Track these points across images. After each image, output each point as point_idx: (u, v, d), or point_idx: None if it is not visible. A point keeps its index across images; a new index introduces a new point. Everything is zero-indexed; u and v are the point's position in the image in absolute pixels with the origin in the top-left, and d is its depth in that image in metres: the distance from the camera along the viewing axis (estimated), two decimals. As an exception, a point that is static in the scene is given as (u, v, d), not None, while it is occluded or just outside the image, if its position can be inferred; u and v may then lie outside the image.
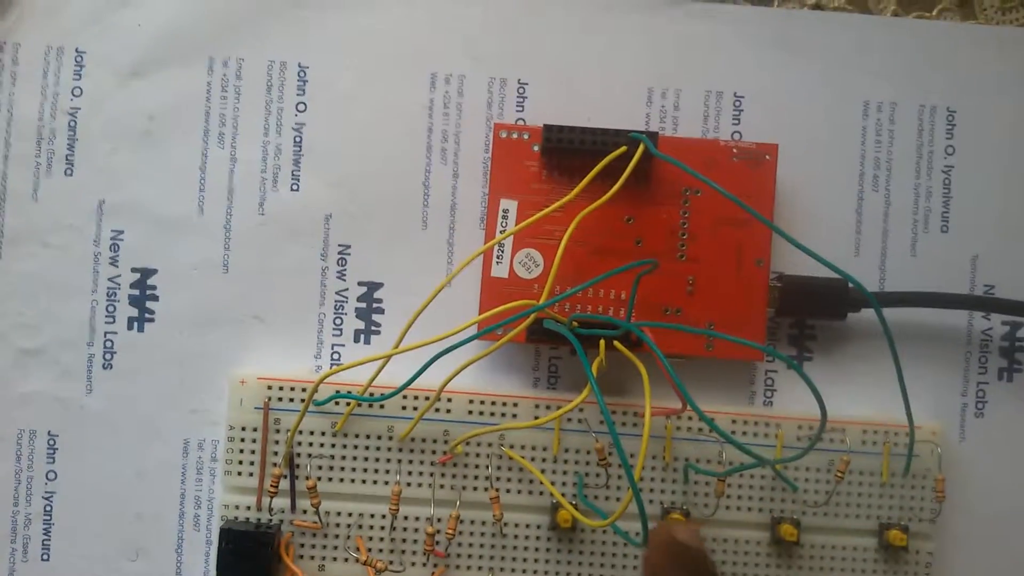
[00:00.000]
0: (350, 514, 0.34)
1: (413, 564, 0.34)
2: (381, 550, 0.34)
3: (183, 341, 0.35)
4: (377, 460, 0.34)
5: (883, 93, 0.36)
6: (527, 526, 0.35)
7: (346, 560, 0.34)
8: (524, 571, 0.35)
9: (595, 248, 0.34)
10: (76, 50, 0.35)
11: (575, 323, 0.33)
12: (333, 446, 0.34)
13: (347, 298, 0.36)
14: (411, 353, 0.32)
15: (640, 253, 0.34)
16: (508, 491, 0.34)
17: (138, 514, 0.35)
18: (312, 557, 0.34)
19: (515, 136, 0.34)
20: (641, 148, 0.32)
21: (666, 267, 0.34)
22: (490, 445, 0.34)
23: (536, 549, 0.35)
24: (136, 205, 0.35)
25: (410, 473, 0.34)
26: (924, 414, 0.35)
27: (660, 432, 0.35)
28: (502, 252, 0.34)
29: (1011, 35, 0.36)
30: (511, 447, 0.34)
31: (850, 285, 0.34)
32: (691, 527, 0.34)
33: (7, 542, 0.35)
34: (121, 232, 0.35)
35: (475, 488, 0.34)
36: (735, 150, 0.34)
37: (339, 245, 0.36)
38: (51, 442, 0.35)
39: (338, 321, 0.36)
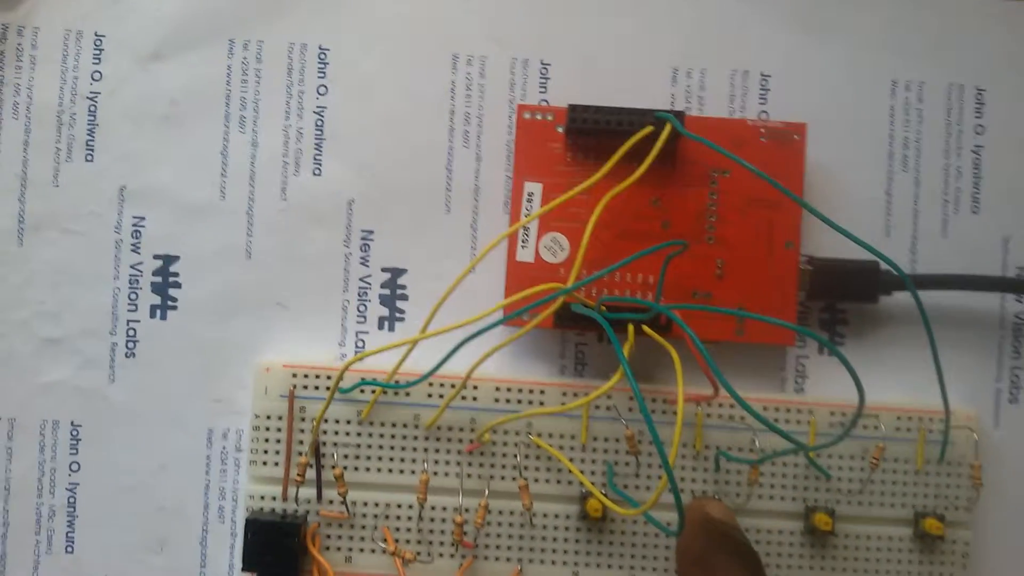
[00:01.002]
0: (377, 504, 0.34)
1: (441, 555, 0.34)
2: (409, 541, 0.34)
3: (206, 329, 0.35)
4: (404, 449, 0.34)
5: (911, 72, 0.36)
6: (556, 516, 0.34)
7: (373, 551, 0.34)
8: (554, 562, 0.34)
9: (621, 231, 0.34)
10: (95, 34, 0.35)
11: (603, 307, 0.32)
12: (359, 434, 0.34)
13: (371, 284, 0.35)
14: (436, 340, 0.32)
15: (667, 236, 0.34)
16: (536, 480, 0.34)
17: (162, 505, 0.35)
18: (339, 548, 0.34)
19: (539, 117, 0.34)
20: (668, 128, 0.32)
21: (694, 250, 0.34)
22: (517, 433, 0.34)
23: (566, 540, 0.34)
24: (157, 191, 0.35)
25: (437, 462, 0.34)
26: (957, 399, 0.35)
27: (691, 419, 0.34)
28: (527, 236, 0.34)
29: (1041, 11, 0.36)
30: (539, 435, 0.34)
31: (882, 267, 0.34)
32: (722, 504, 0.33)
33: (31, 534, 0.35)
34: (143, 218, 0.35)
35: (503, 477, 0.34)
36: (763, 130, 0.34)
37: (362, 230, 0.35)
38: (74, 432, 0.35)
39: (362, 307, 0.35)
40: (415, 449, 0.34)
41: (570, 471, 0.34)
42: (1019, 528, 0.35)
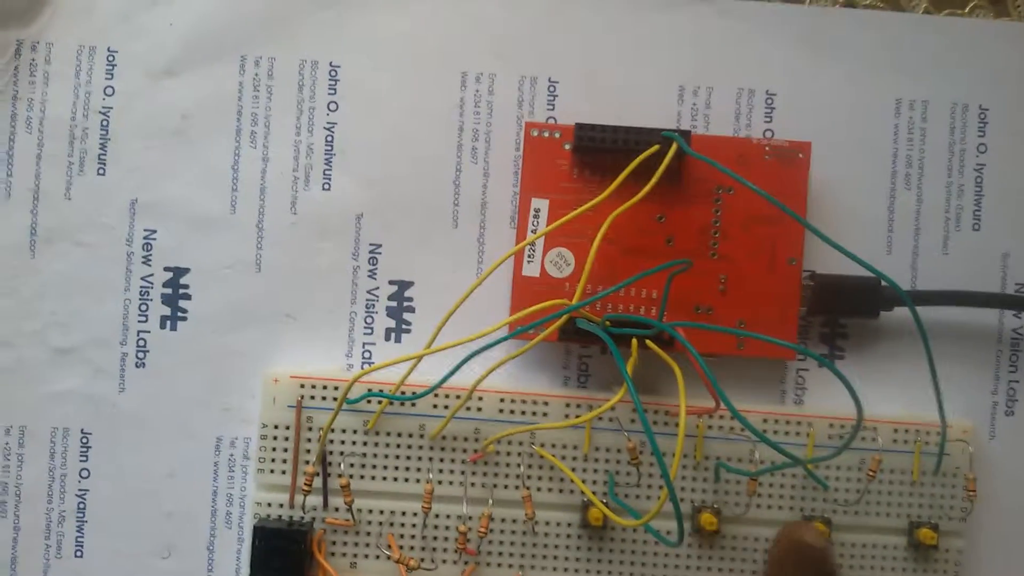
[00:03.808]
0: (382, 512, 0.34)
1: (444, 562, 0.34)
2: (413, 548, 0.34)
3: (215, 340, 0.35)
4: (409, 458, 0.34)
5: (915, 91, 0.36)
6: (558, 524, 0.35)
7: (378, 557, 0.34)
8: (555, 569, 0.35)
9: (626, 247, 0.34)
10: (108, 49, 0.35)
11: (608, 322, 0.32)
12: (365, 444, 0.34)
13: (378, 297, 0.36)
14: (442, 352, 0.32)
15: (672, 252, 0.34)
16: (539, 489, 0.35)
17: (170, 512, 0.35)
18: (344, 554, 0.34)
19: (546, 135, 0.34)
20: (674, 147, 0.32)
21: (698, 266, 0.34)
22: (521, 444, 0.35)
23: (567, 547, 0.35)
24: (168, 204, 0.36)
25: (441, 471, 0.34)
26: (955, 412, 0.35)
27: (691, 431, 0.35)
28: (533, 251, 0.34)
29: (1044, 32, 0.36)
30: (542, 445, 0.34)
31: (882, 283, 0.34)
32: (817, 530, 0.34)
33: (42, 539, 0.35)
34: (154, 231, 0.36)
35: (506, 486, 0.35)
36: (768, 148, 0.34)
37: (370, 244, 0.36)
38: (84, 440, 0.35)
39: (369, 320, 0.36)
40: (420, 459, 0.34)
41: (572, 481, 0.34)
42: (1011, 538, 0.36)
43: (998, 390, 0.36)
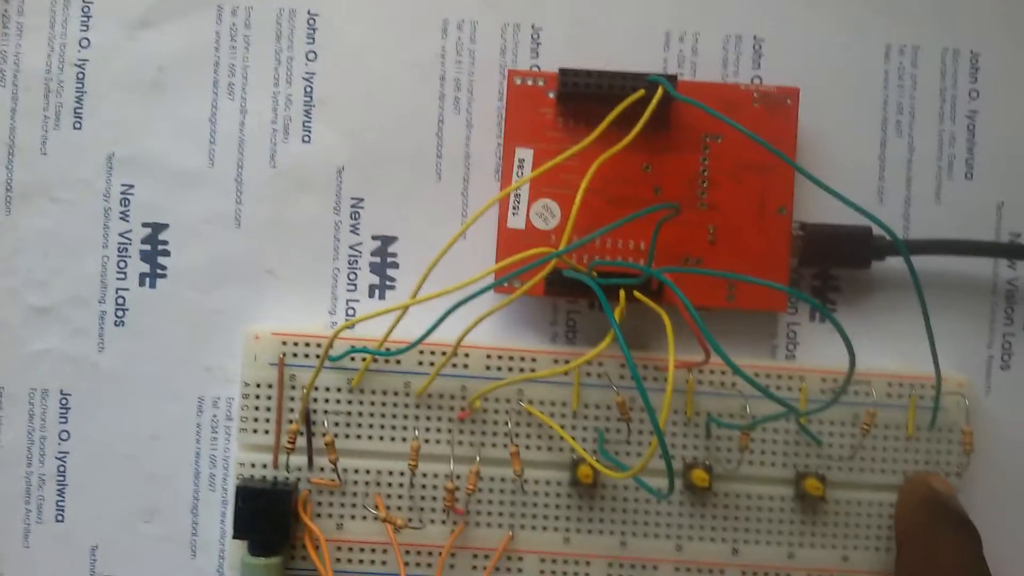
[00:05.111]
0: (368, 471, 0.34)
1: (432, 521, 0.34)
2: (400, 508, 0.34)
3: (195, 297, 0.35)
4: (395, 416, 0.34)
5: (905, 36, 0.36)
6: (547, 482, 0.34)
7: (364, 518, 0.34)
8: (545, 527, 0.34)
9: (612, 197, 0.34)
10: (83, 1, 0.35)
11: (595, 271, 0.32)
12: (350, 402, 0.34)
13: (361, 252, 0.35)
14: (427, 309, 0.31)
15: (659, 201, 0.34)
16: (527, 447, 0.34)
17: (152, 474, 0.35)
18: (330, 515, 0.34)
19: (530, 83, 0.34)
20: (660, 91, 0.32)
21: (686, 216, 0.34)
22: (508, 400, 0.34)
23: (556, 505, 0.34)
24: (146, 158, 0.35)
25: (428, 429, 0.34)
26: (949, 366, 0.35)
27: (681, 386, 0.34)
28: (518, 203, 0.34)
29: (1037, -25, 0.36)
30: (530, 402, 0.34)
31: (874, 232, 0.34)
32: (944, 480, 0.34)
33: (22, 503, 0.35)
34: (131, 186, 0.35)
35: (494, 444, 0.34)
36: (755, 94, 0.34)
37: (352, 198, 0.35)
38: (63, 401, 0.35)
39: (352, 276, 0.35)
40: (406, 416, 0.34)
41: (561, 438, 0.34)
42: (1008, 493, 0.35)
43: (993, 343, 0.36)
